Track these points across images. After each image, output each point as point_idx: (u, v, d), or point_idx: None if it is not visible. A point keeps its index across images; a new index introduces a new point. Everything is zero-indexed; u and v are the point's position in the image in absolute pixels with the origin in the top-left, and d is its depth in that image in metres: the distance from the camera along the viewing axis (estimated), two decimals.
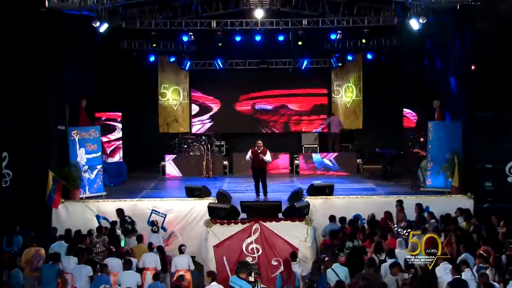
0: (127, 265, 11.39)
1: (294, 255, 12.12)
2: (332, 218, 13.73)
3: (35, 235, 12.86)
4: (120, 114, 18.63)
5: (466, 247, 11.14)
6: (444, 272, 10.19)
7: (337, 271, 10.69)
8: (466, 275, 10.04)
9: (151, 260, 12.10)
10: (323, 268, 11.12)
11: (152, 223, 14.03)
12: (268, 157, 15.47)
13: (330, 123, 20.59)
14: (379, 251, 11.39)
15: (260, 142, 15.53)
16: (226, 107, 22.10)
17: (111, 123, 18.34)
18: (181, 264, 12.32)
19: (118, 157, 18.49)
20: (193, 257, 13.03)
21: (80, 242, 12.68)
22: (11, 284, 11.13)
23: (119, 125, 18.55)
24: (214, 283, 10.32)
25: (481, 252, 10.71)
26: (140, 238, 13.08)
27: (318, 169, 19.60)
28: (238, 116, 22.05)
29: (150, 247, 12.56)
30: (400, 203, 14.14)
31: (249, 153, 15.49)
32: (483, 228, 12.22)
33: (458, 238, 11.69)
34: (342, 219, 13.58)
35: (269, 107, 22.07)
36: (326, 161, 19.72)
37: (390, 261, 10.80)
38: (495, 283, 9.64)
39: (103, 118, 18.16)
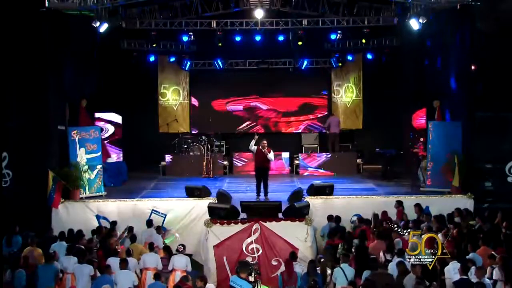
0: (123, 265, 11.38)
1: (293, 255, 12.10)
2: (330, 218, 13.74)
3: (35, 235, 12.84)
4: (108, 114, 18.56)
5: (472, 247, 11.15)
6: (453, 272, 10.15)
7: (346, 271, 10.69)
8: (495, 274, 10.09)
9: (152, 260, 12.09)
10: (320, 268, 11.12)
11: (154, 225, 14.03)
12: (271, 155, 15.53)
13: (330, 123, 20.58)
14: (390, 251, 11.37)
15: (265, 142, 15.53)
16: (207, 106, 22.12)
17: (99, 123, 18.11)
18: (179, 264, 12.23)
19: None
20: (189, 255, 12.95)
21: (80, 242, 12.70)
22: (14, 284, 11.14)
23: (108, 126, 18.50)
24: (208, 284, 10.34)
25: (492, 252, 10.72)
26: (133, 238, 13.09)
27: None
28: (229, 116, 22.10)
29: (152, 247, 12.55)
30: (399, 203, 14.15)
31: (254, 146, 15.50)
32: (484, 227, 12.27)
33: (463, 237, 11.70)
34: (338, 218, 13.61)
35: (240, 107, 22.09)
36: (302, 161, 19.88)
37: (397, 260, 10.75)
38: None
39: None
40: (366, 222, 13.49)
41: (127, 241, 13.18)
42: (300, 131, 22.02)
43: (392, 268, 10.59)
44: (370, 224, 13.43)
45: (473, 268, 10.01)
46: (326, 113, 21.87)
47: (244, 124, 22.15)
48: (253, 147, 15.53)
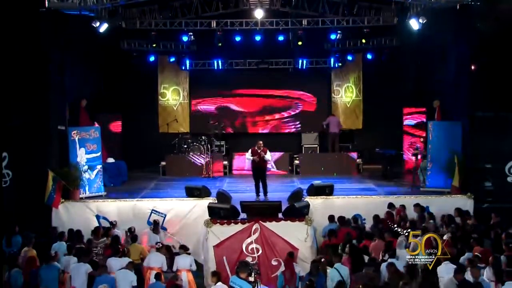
0: (131, 265, 11.37)
1: (291, 254, 12.06)
2: (331, 218, 13.74)
3: (34, 236, 12.83)
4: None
5: (467, 247, 11.16)
6: (445, 273, 10.15)
7: (340, 271, 10.69)
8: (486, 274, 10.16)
9: (157, 260, 12.10)
10: (320, 268, 11.12)
11: (155, 223, 14.03)
12: (268, 155, 15.55)
13: (329, 123, 20.58)
14: (387, 251, 11.37)
15: (261, 142, 15.63)
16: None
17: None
18: (183, 264, 12.27)
19: None
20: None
21: (80, 242, 12.70)
22: (10, 283, 11.14)
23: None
24: (219, 283, 10.31)
25: (476, 253, 10.74)
26: (134, 238, 13.09)
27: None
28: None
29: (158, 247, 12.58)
30: (391, 205, 14.13)
31: (250, 152, 15.53)
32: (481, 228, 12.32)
33: (459, 237, 11.72)
34: (341, 219, 13.57)
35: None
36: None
37: (389, 260, 10.78)
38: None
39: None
40: (346, 224, 13.41)
41: (128, 241, 13.18)
42: (267, 131, 22.05)
43: (384, 268, 10.64)
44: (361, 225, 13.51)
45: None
46: (298, 108, 21.92)
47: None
48: (250, 156, 15.53)
